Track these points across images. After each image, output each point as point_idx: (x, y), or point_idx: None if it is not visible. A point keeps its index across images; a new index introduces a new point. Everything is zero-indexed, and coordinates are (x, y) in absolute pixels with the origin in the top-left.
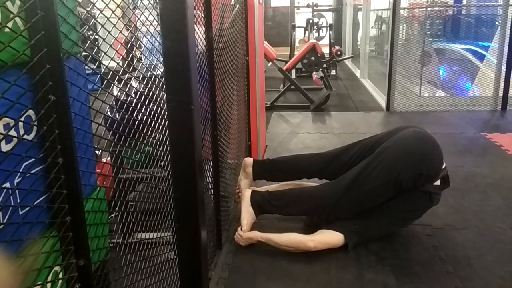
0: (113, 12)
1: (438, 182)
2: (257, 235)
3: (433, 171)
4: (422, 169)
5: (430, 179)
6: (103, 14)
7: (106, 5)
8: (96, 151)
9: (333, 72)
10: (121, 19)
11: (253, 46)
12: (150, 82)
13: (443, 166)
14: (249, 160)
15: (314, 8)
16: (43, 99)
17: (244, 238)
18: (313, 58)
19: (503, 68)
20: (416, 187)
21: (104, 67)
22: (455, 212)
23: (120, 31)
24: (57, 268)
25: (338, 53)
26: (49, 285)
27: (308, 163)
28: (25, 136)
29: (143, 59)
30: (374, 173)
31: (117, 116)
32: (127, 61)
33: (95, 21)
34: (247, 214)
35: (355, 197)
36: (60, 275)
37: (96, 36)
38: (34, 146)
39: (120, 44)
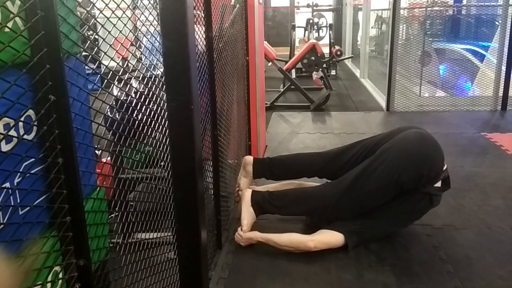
0: (113, 12)
1: (439, 184)
2: (257, 235)
3: (434, 173)
4: (423, 170)
5: (431, 180)
6: (103, 14)
7: (106, 5)
8: (96, 151)
9: (333, 72)
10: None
11: (253, 46)
12: (150, 82)
13: (444, 168)
14: (249, 159)
15: (314, 8)
16: (43, 99)
17: (244, 238)
18: (313, 58)
19: (503, 68)
20: (417, 188)
21: (104, 67)
22: (455, 212)
23: (120, 31)
24: (57, 268)
25: (338, 53)
26: (49, 285)
27: (309, 162)
28: (25, 136)
29: (143, 59)
30: (375, 174)
31: (117, 116)
32: (127, 61)
33: (95, 21)
34: (247, 214)
35: (356, 197)
36: (60, 275)
37: (96, 36)
38: (34, 146)
39: (120, 44)
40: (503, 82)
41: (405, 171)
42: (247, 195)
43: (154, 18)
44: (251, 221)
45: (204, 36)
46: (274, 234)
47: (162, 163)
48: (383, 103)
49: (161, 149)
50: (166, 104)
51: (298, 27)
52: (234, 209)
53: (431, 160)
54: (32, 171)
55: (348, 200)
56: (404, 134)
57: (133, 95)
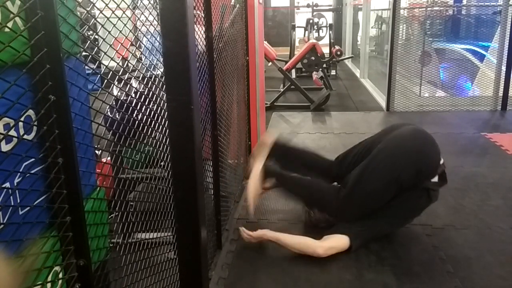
0: (113, 12)
1: (436, 179)
2: (267, 234)
3: (431, 167)
4: (421, 165)
5: (429, 175)
6: (103, 14)
7: (106, 5)
8: (96, 151)
9: (333, 72)
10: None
11: (253, 46)
12: (150, 82)
13: (441, 162)
14: (268, 139)
15: (314, 8)
16: (43, 99)
17: (254, 237)
18: (313, 58)
19: (503, 68)
20: (415, 185)
21: (104, 67)
22: (455, 212)
23: (120, 31)
24: (57, 268)
25: (338, 53)
26: (49, 285)
27: (320, 164)
28: (25, 136)
29: (143, 59)
30: (374, 176)
31: (117, 116)
32: (127, 61)
33: (95, 21)
34: (252, 187)
35: (358, 201)
36: (60, 275)
37: (96, 36)
38: (34, 146)
39: (120, 44)
40: (503, 82)
41: (404, 169)
42: (256, 167)
43: (154, 18)
44: (256, 194)
45: (204, 36)
46: (284, 234)
47: (162, 163)
48: (383, 103)
49: (161, 149)
50: (166, 104)
51: (298, 27)
52: (234, 209)
53: (427, 154)
54: (32, 171)
55: (350, 203)
56: (398, 132)
57: (133, 95)
